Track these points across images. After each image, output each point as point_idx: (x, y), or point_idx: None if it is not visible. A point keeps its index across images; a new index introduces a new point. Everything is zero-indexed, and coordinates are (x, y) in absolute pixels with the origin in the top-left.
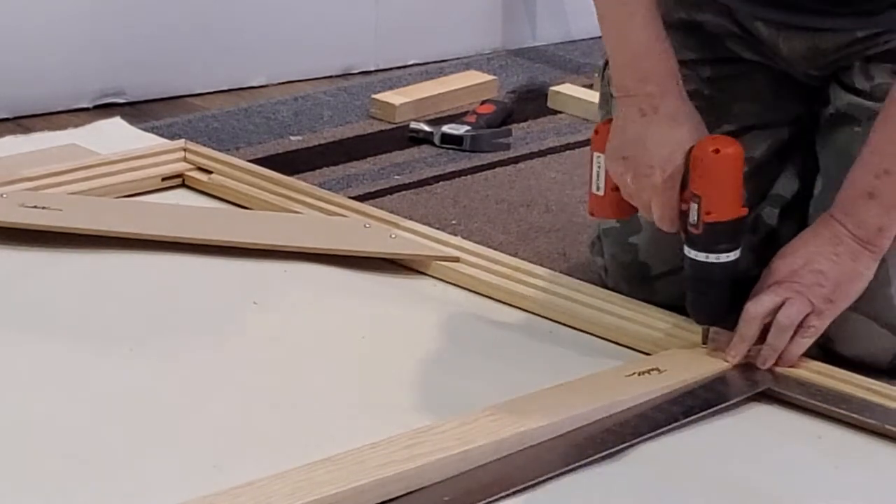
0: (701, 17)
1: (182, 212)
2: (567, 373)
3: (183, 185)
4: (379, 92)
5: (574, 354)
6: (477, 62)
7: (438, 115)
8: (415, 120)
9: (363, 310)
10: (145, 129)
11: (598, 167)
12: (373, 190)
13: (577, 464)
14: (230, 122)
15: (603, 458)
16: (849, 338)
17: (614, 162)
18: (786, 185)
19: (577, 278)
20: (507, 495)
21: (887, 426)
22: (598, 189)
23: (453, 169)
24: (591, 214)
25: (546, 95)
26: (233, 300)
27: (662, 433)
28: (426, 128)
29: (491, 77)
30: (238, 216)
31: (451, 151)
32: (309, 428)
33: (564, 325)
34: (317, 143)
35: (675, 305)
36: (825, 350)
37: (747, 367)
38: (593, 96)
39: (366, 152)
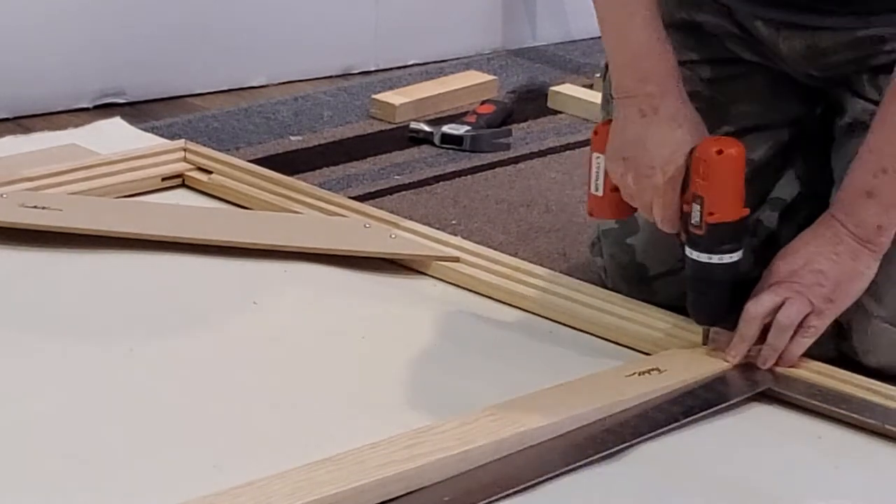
0: (701, 17)
1: (182, 212)
2: (567, 373)
3: (183, 185)
4: (379, 92)
5: (574, 354)
6: (477, 62)
7: (438, 115)
8: (415, 120)
9: (363, 310)
10: (145, 129)
11: (598, 168)
12: (373, 190)
13: (577, 464)
14: (230, 122)
15: (603, 458)
16: (873, 348)
17: (614, 163)
18: (785, 188)
19: (577, 278)
20: (507, 495)
21: (887, 426)
22: (597, 190)
23: (453, 169)
24: (590, 215)
25: (546, 95)
26: (233, 300)
27: (662, 433)
28: (426, 128)
29: (491, 77)
30: (238, 216)
31: (451, 151)
32: (309, 428)
33: (564, 325)
34: (317, 143)
35: (673, 306)
36: (847, 359)
37: (747, 367)
38: (593, 96)
39: (366, 152)
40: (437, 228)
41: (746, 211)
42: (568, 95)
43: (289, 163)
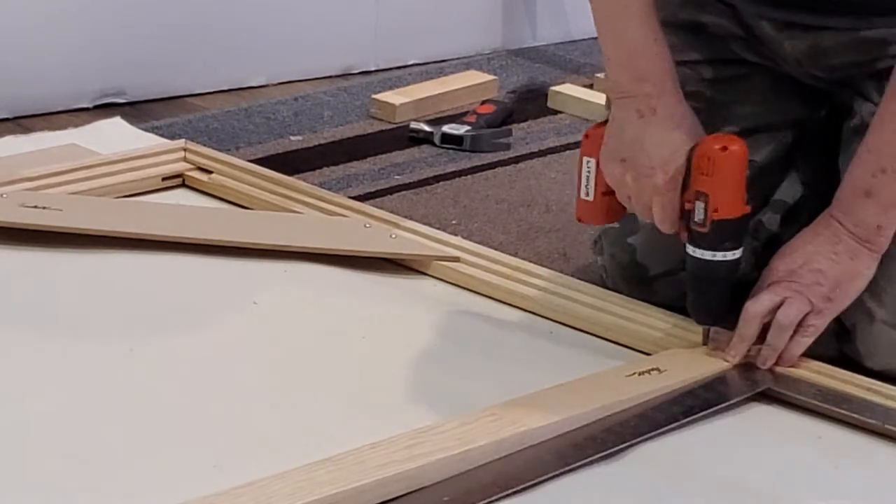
0: (704, 18)
1: (182, 212)
2: (567, 373)
3: (183, 185)
4: (379, 92)
5: (574, 354)
6: (477, 62)
7: (438, 115)
8: (415, 120)
9: (363, 310)
10: (145, 129)
11: (588, 172)
12: (373, 190)
13: (577, 464)
14: (230, 122)
15: (603, 458)
16: (875, 350)
17: (612, 164)
18: (788, 191)
19: (578, 278)
20: (507, 495)
21: (887, 426)
22: (587, 194)
23: (453, 169)
24: (579, 220)
25: (546, 95)
26: (233, 300)
27: (662, 433)
28: (426, 128)
29: (491, 77)
30: (238, 216)
31: (451, 151)
32: (309, 428)
33: (564, 325)
34: (317, 143)
35: (673, 306)
36: (848, 359)
37: (747, 366)
38: (593, 96)
39: (366, 152)
40: (438, 228)
41: (748, 208)
42: (568, 95)
43: (289, 163)
